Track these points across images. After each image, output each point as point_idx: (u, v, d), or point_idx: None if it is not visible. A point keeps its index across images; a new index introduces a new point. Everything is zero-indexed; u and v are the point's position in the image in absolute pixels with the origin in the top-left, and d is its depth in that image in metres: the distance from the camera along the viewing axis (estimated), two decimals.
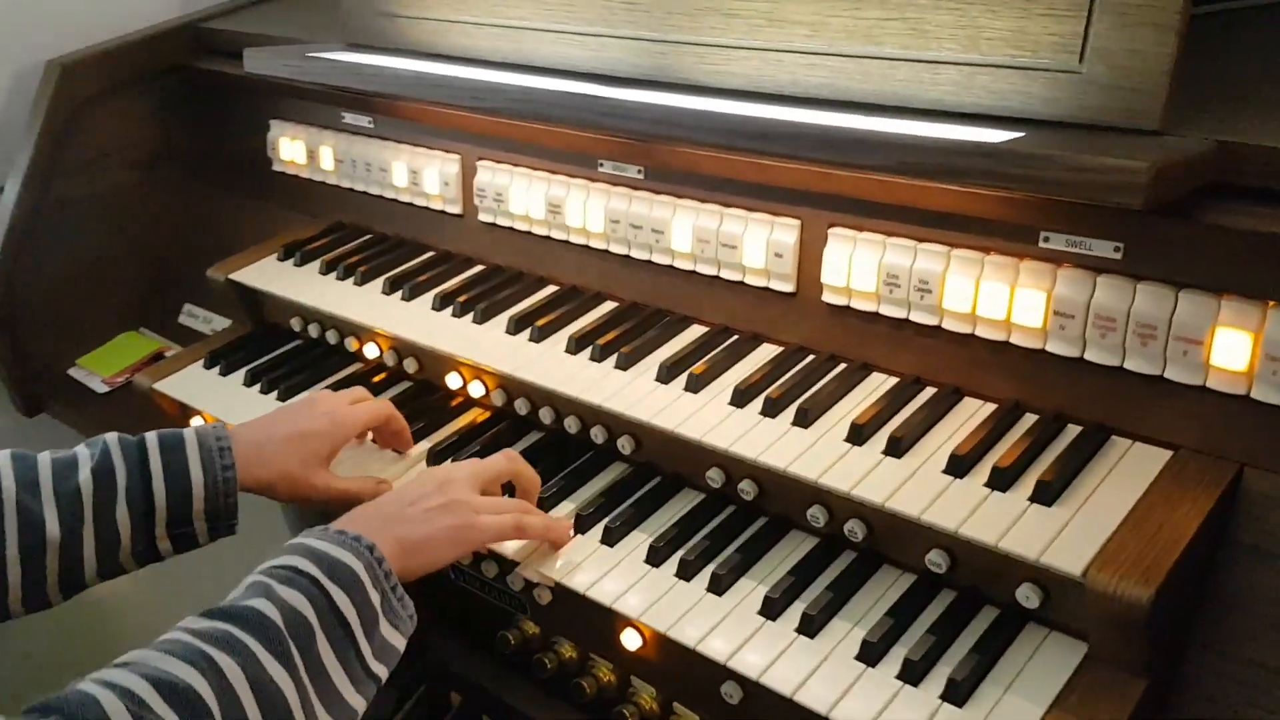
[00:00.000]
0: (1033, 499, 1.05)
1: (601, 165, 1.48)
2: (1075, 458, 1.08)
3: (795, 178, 1.25)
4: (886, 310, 1.24)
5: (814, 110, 1.18)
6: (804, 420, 1.20)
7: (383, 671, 1.00)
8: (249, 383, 1.62)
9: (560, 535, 1.19)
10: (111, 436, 1.18)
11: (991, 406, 1.18)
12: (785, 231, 1.31)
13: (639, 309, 1.48)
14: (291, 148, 1.91)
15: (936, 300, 1.19)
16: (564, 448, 1.38)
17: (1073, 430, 1.13)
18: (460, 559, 1.15)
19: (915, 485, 1.09)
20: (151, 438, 1.19)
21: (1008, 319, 1.15)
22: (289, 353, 1.69)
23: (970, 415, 1.18)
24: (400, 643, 1.02)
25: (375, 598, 1.00)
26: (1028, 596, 1.01)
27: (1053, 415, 1.15)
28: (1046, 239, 1.12)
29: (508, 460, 1.23)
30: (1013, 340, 1.16)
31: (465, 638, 1.41)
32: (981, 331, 1.18)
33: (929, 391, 1.22)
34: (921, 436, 1.15)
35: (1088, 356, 1.11)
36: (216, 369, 1.66)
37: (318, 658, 0.93)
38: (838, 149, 1.07)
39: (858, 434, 1.16)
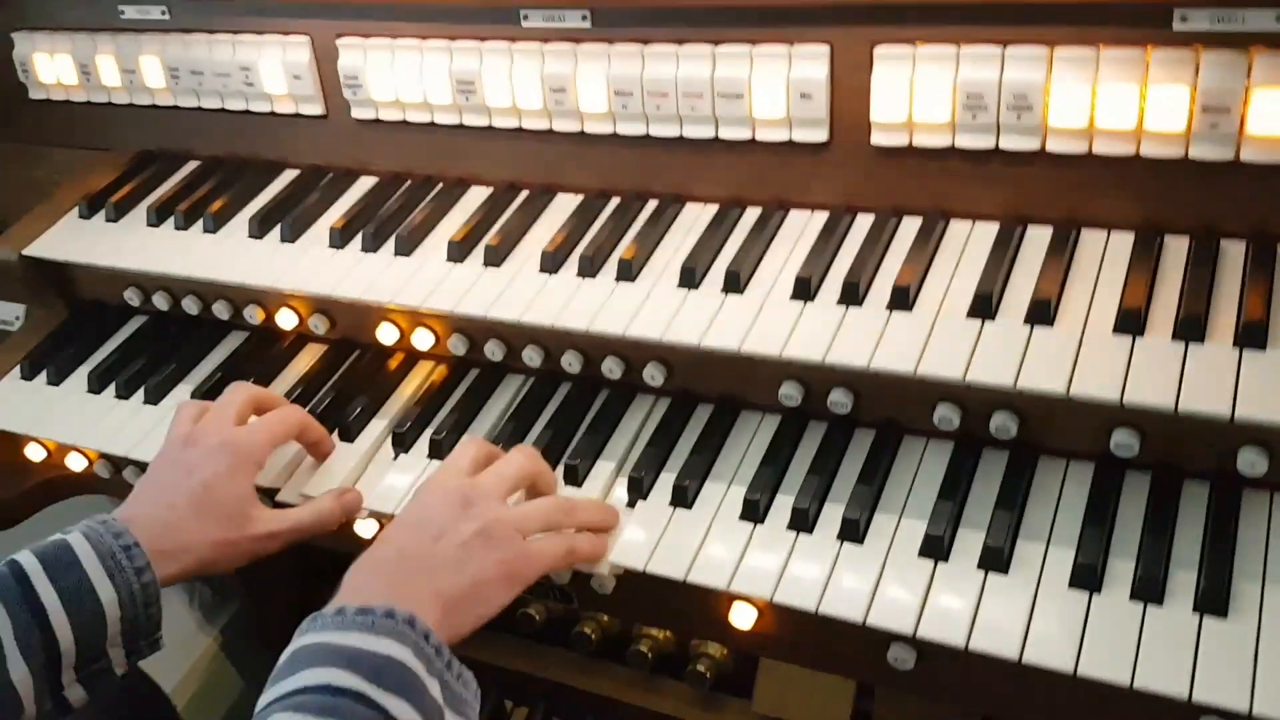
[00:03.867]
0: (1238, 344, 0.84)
1: (526, 17, 1.13)
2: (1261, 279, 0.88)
3: None
4: (966, 141, 0.98)
5: None
6: (903, 301, 0.94)
7: None
8: (95, 388, 1.21)
9: (601, 547, 0.92)
10: None
11: (1127, 237, 0.96)
12: (811, 64, 1.01)
13: (607, 198, 1.16)
14: (53, 65, 1.42)
15: (1039, 118, 0.94)
16: (562, 391, 1.08)
17: (1234, 248, 0.92)
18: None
19: (1151, 364, 0.84)
20: (29, 562, 0.84)
21: (1138, 127, 0.91)
22: (136, 337, 1.28)
23: (1106, 253, 0.95)
24: None
25: (435, 689, 0.72)
26: None
27: (1203, 233, 0.93)
28: (1185, 18, 0.88)
29: (530, 459, 0.94)
30: (1143, 152, 0.93)
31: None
32: (1101, 147, 0.94)
33: (1042, 232, 0.98)
34: (1061, 294, 0.92)
35: (1245, 157, 0.90)
36: (42, 377, 1.24)
37: None
38: None
39: (985, 306, 0.91)
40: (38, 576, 0.83)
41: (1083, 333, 0.87)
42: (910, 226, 1.03)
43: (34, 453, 1.22)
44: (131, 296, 1.28)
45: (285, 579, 1.83)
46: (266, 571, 1.79)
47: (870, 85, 1.00)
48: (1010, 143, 0.97)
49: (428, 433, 1.05)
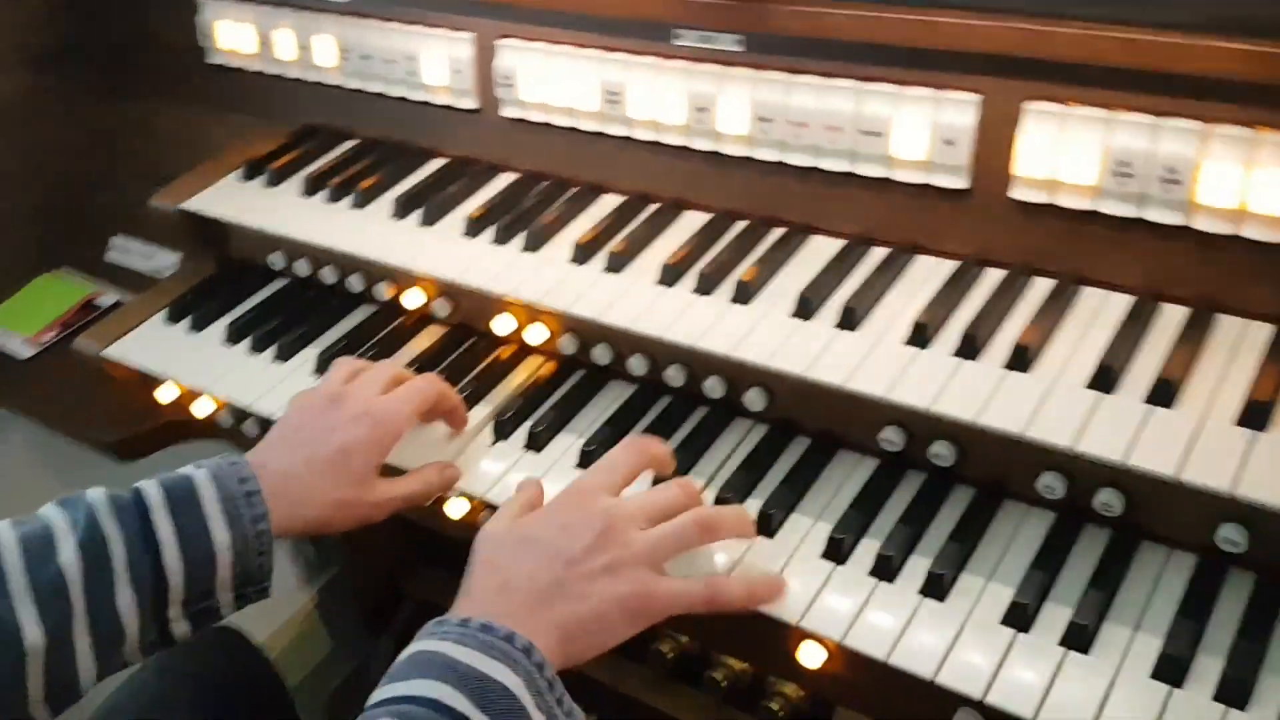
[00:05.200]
0: None
1: (679, 35, 1.14)
2: None
3: (981, 37, 0.94)
4: (1110, 207, 0.95)
5: None
6: (1022, 361, 0.92)
7: None
8: (232, 339, 1.27)
9: (769, 590, 0.88)
10: (96, 495, 0.86)
11: (1266, 328, 0.92)
12: (959, 110, 1.00)
13: (735, 219, 1.17)
14: (234, 32, 1.51)
15: (1188, 193, 0.91)
16: (664, 404, 1.09)
17: None
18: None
19: (1271, 461, 0.80)
20: (153, 492, 0.87)
21: None
22: (276, 298, 1.34)
23: (1240, 341, 0.91)
24: None
25: None
26: None
27: None
28: None
29: (685, 493, 0.90)
30: None
31: None
32: (1251, 231, 0.90)
33: (1177, 311, 0.95)
34: (1186, 377, 0.88)
35: None
36: (185, 323, 1.31)
37: None
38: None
39: (1106, 378, 0.88)
40: (158, 509, 0.86)
41: (1203, 419, 0.84)
42: (1041, 287, 1.00)
43: (165, 393, 1.29)
44: (276, 260, 1.35)
45: (384, 549, 1.89)
46: (368, 539, 1.86)
47: (1016, 139, 0.98)
48: (1155, 215, 0.93)
49: (527, 424, 1.07)
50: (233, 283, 1.37)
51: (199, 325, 1.30)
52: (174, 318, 1.32)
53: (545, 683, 0.74)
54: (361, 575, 1.94)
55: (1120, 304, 0.96)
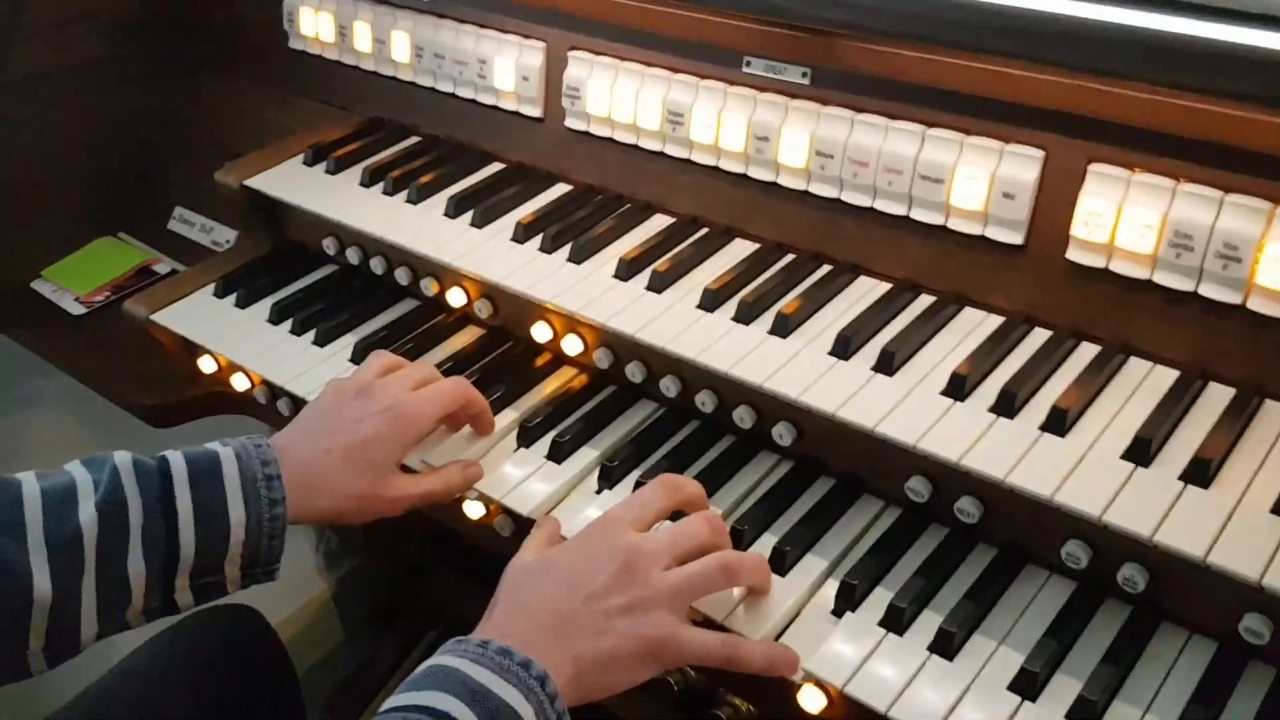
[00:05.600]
0: None
1: (748, 64, 1.14)
2: None
3: (1050, 92, 0.93)
4: (1165, 279, 0.93)
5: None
6: (1058, 425, 0.89)
7: None
8: (275, 319, 1.29)
9: (787, 663, 0.85)
10: (121, 459, 0.87)
11: None
12: (1022, 164, 0.99)
13: (784, 252, 1.16)
14: (316, 20, 1.53)
15: (1246, 272, 0.88)
16: (691, 429, 1.08)
17: None
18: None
19: None
20: (177, 462, 0.88)
21: None
22: (323, 283, 1.35)
23: None
24: None
25: None
26: None
27: None
28: None
29: (712, 530, 0.89)
30: None
31: None
32: None
33: (1222, 391, 0.92)
34: (1225, 459, 0.86)
35: None
36: (232, 299, 1.32)
37: None
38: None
39: (1142, 451, 0.86)
40: (180, 481, 0.87)
41: (1238, 503, 0.81)
42: (1086, 352, 0.98)
43: (206, 364, 1.31)
44: (329, 245, 1.36)
45: (403, 548, 1.90)
46: (388, 536, 1.87)
47: (1077, 199, 0.96)
48: (1211, 291, 0.91)
49: (551, 434, 1.06)
50: (284, 264, 1.39)
51: (246, 302, 1.32)
52: (223, 292, 1.34)
53: (555, 715, 0.73)
54: (379, 571, 1.95)
55: (1165, 377, 0.94)
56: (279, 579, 0.94)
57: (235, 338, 1.27)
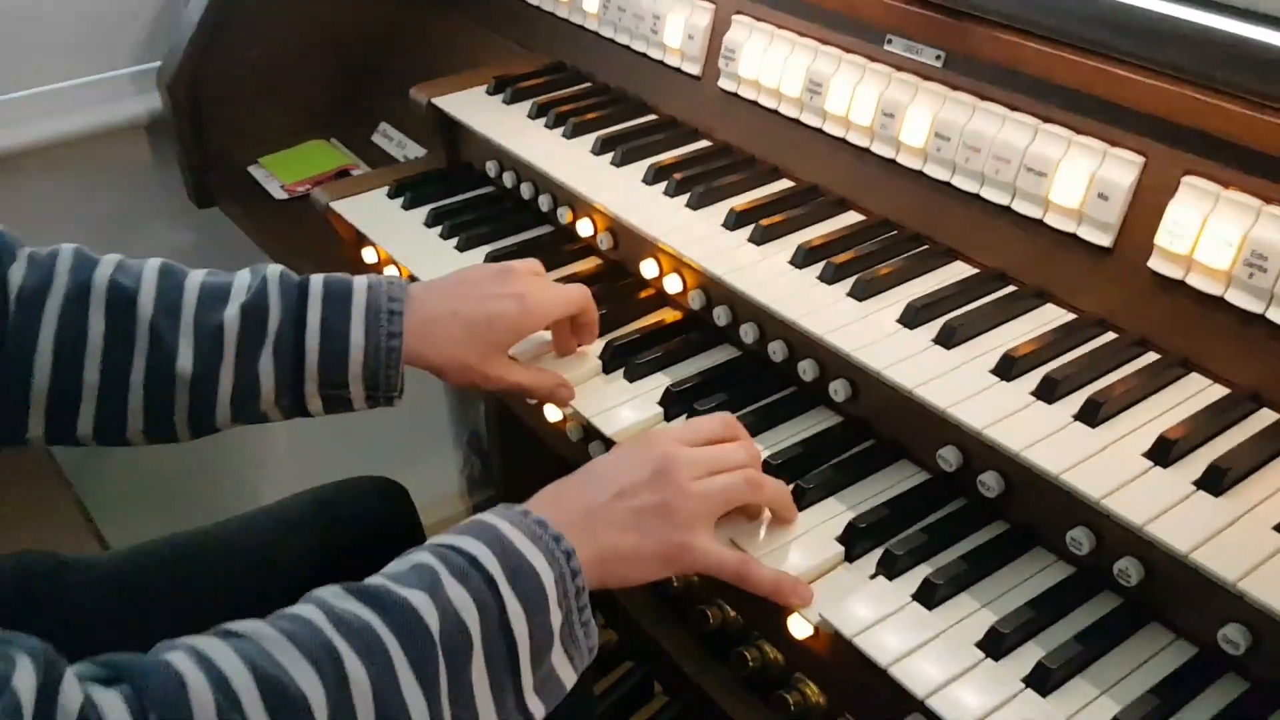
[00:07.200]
0: None
1: (889, 42, 1.19)
2: None
3: (1159, 99, 0.94)
4: (1235, 297, 0.93)
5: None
6: (1091, 415, 0.91)
7: (539, 711, 0.79)
8: (430, 222, 1.43)
9: (799, 594, 0.90)
10: (274, 270, 1.01)
11: None
12: (1121, 167, 1.00)
13: (889, 228, 1.20)
14: None
15: None
16: (758, 374, 1.14)
17: None
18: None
19: None
20: (317, 283, 1.01)
21: None
22: (478, 199, 1.49)
23: None
24: (570, 678, 0.80)
25: (556, 620, 0.78)
26: None
27: None
28: None
29: (749, 457, 0.95)
30: None
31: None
32: None
33: (1270, 416, 0.91)
34: (1246, 476, 0.85)
35: None
36: (400, 200, 1.48)
37: (467, 683, 0.73)
38: None
39: (1163, 452, 0.86)
40: (315, 299, 0.99)
41: (1242, 515, 0.81)
42: (1146, 359, 0.98)
43: (369, 255, 1.46)
44: (490, 168, 1.50)
45: (535, 490, 2.02)
46: (525, 475, 2.00)
47: (1167, 208, 0.96)
48: (1278, 316, 0.90)
49: (632, 360, 1.14)
50: (452, 179, 1.53)
51: (411, 204, 1.47)
52: (395, 193, 1.50)
53: (574, 588, 0.79)
54: (512, 503, 2.08)
55: (1215, 394, 0.93)
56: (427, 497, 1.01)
57: (394, 232, 1.42)
